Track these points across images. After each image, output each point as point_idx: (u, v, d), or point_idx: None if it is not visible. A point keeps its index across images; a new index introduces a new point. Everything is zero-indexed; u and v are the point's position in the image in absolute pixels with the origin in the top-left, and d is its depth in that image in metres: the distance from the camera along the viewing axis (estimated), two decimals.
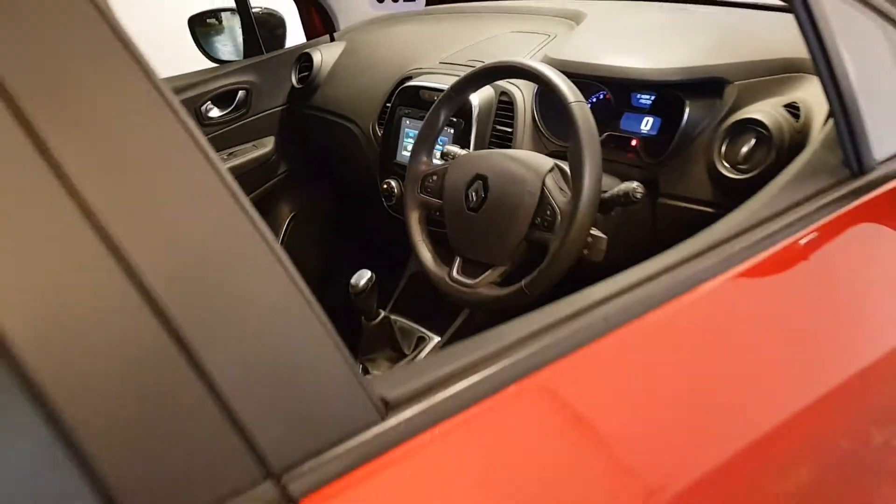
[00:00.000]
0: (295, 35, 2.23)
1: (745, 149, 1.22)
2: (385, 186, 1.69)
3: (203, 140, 0.52)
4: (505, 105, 1.54)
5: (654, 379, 0.73)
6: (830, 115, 1.03)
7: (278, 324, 0.53)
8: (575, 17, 1.70)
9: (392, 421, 0.58)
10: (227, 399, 0.50)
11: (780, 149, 1.17)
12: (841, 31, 1.00)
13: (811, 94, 1.20)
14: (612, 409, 0.69)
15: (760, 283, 0.87)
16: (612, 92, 1.46)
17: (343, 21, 2.16)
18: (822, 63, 0.99)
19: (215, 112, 2.02)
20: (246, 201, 0.53)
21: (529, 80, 1.26)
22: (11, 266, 0.44)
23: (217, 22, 2.12)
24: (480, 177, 1.26)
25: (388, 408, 0.59)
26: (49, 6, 0.48)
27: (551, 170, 1.22)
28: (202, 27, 2.09)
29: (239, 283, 0.52)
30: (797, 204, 0.95)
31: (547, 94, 1.30)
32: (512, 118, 1.52)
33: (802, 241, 0.91)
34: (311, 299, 0.55)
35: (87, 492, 0.45)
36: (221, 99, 2.02)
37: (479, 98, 1.54)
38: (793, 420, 0.78)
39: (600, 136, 1.21)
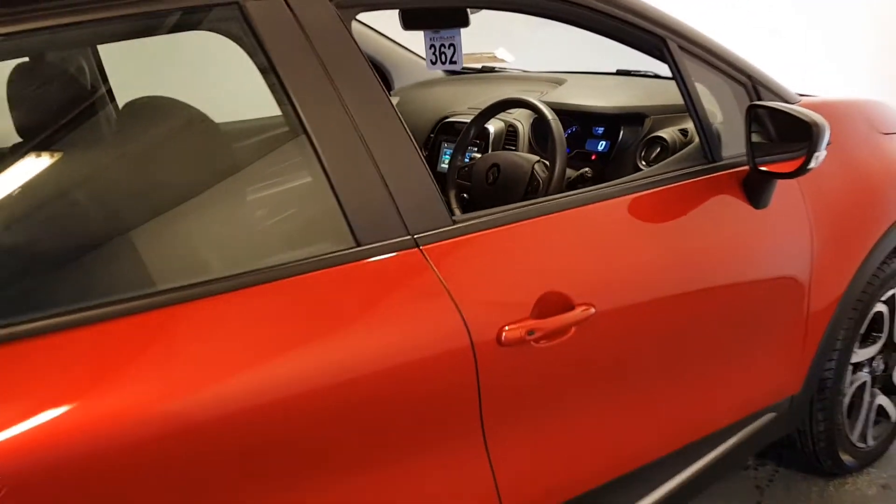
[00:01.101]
0: None
1: (654, 153, 2.04)
2: None
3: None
4: (510, 132, 2.38)
5: (585, 239, 1.53)
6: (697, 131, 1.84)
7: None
8: (558, 81, 2.56)
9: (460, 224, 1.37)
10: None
11: (674, 153, 1.99)
12: (700, 87, 1.82)
13: (692, 125, 2.03)
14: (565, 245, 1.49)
15: (650, 201, 1.67)
16: (580, 126, 2.30)
17: (397, 82, 3.03)
18: (690, 105, 1.80)
19: None
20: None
21: (527, 108, 2.09)
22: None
23: None
24: (495, 164, 2.07)
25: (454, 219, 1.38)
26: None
27: (537, 162, 2.03)
28: None
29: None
30: (676, 171, 1.75)
31: (537, 126, 2.14)
32: (515, 140, 2.35)
33: (677, 186, 1.71)
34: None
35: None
36: None
37: (493, 127, 2.38)
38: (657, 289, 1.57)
39: (571, 153, 2.04)
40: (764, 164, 1.73)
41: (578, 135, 2.31)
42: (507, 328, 1.36)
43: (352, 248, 1.27)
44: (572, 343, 1.45)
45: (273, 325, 1.19)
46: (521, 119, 2.39)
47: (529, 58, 3.00)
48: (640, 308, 1.59)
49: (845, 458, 2.34)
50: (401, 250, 1.31)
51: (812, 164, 1.66)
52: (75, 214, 1.32)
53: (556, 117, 1.99)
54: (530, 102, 2.06)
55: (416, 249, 1.32)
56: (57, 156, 1.40)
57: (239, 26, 1.25)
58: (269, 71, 1.25)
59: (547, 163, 2.05)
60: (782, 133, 1.71)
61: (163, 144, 1.45)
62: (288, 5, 1.28)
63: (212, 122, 1.46)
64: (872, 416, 2.38)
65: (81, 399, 1.02)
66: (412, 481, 1.34)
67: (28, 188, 1.32)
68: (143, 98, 1.52)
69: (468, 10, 2.07)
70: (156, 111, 1.51)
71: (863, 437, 2.37)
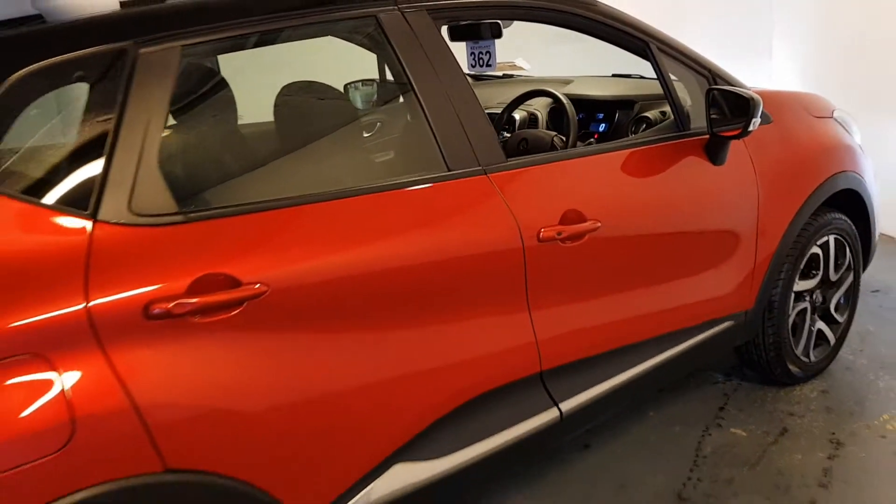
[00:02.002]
0: None
1: (641, 129, 2.76)
2: None
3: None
4: (532, 119, 3.10)
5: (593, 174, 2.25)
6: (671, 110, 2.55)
7: None
8: (566, 81, 3.29)
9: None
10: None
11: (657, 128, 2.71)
12: (674, 78, 2.54)
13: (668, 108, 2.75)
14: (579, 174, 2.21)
15: (638, 155, 2.38)
16: (585, 113, 3.02)
17: None
18: (666, 91, 2.50)
19: None
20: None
21: (548, 96, 2.81)
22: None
23: None
24: (524, 139, 2.77)
25: None
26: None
27: (555, 136, 2.74)
28: None
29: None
30: (657, 136, 2.46)
31: (553, 113, 2.87)
32: (535, 125, 3.07)
33: (658, 146, 2.42)
34: None
35: None
36: None
37: (518, 115, 3.10)
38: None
39: (580, 133, 2.75)
40: (719, 131, 2.44)
41: (583, 120, 3.03)
42: (543, 230, 2.06)
43: (445, 172, 1.97)
44: (586, 245, 2.16)
45: (398, 218, 1.89)
46: (539, 109, 3.10)
47: (543, 66, 3.74)
48: (631, 227, 2.29)
49: (793, 368, 3.03)
50: (475, 176, 2.01)
51: (751, 128, 2.38)
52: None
53: (569, 101, 2.71)
54: (550, 91, 2.78)
55: (485, 176, 2.03)
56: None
57: (376, 30, 1.97)
58: (393, 58, 1.97)
59: (563, 137, 2.76)
60: (731, 108, 2.42)
61: (318, 104, 2.18)
62: (404, 17, 1.99)
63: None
64: (813, 338, 3.08)
65: (306, 246, 1.71)
66: (485, 328, 2.03)
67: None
68: (298, 81, 2.26)
69: (501, 24, 2.80)
70: (309, 87, 2.25)
71: (806, 354, 3.06)
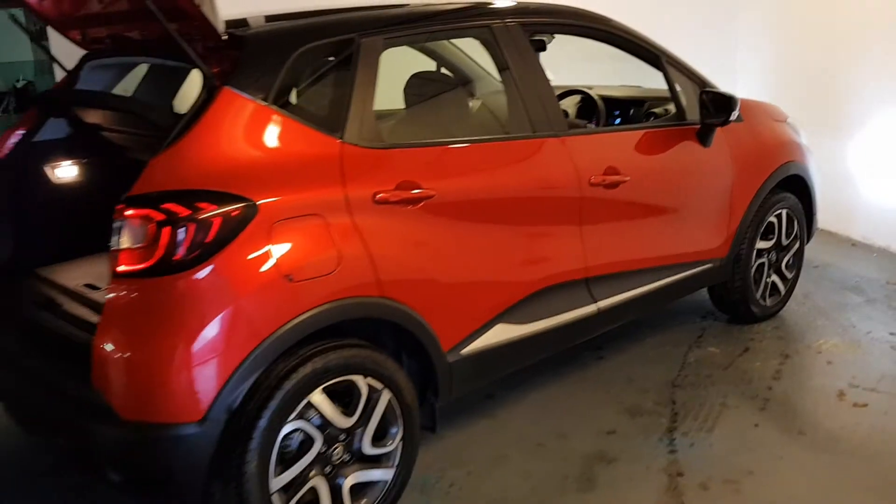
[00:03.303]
0: None
1: (650, 120, 3.77)
2: None
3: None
4: (564, 115, 4.09)
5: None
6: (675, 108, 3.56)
7: None
8: (590, 88, 4.29)
9: None
10: None
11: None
12: (679, 84, 3.55)
13: (671, 106, 3.76)
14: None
15: (651, 135, 3.38)
16: (604, 110, 4.03)
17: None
18: (672, 92, 3.52)
19: None
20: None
21: (580, 94, 3.81)
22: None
23: None
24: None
25: None
26: None
27: (587, 123, 3.72)
28: None
29: None
30: (664, 124, 3.47)
31: (581, 108, 3.87)
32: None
33: (664, 130, 3.43)
34: None
35: None
36: None
37: None
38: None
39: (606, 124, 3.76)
40: (707, 121, 3.45)
41: (605, 115, 4.04)
42: (593, 177, 3.03)
43: (531, 133, 2.94)
44: (619, 191, 3.14)
45: (508, 160, 2.85)
46: (568, 107, 4.08)
47: (567, 78, 4.74)
48: (648, 182, 3.28)
49: (754, 308, 4.03)
50: (550, 137, 2.98)
51: (731, 119, 3.39)
52: None
53: (599, 96, 3.71)
54: (583, 90, 3.77)
55: (557, 138, 2.99)
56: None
57: (490, 35, 2.94)
58: (499, 55, 2.94)
59: (593, 124, 3.75)
60: (716, 105, 3.43)
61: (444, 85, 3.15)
62: (507, 27, 2.97)
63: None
64: (769, 288, 4.09)
65: (454, 170, 2.67)
66: (555, 240, 2.98)
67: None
68: (422, 71, 3.22)
69: (545, 39, 3.78)
70: (431, 75, 3.22)
71: (763, 298, 4.07)
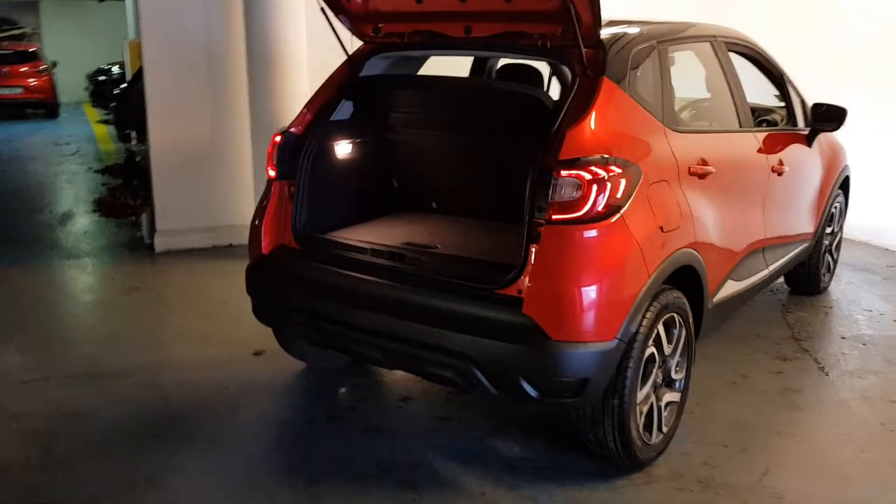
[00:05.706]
0: None
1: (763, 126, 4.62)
2: None
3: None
4: None
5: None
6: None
7: None
8: None
9: None
10: None
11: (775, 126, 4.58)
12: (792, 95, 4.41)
13: (783, 114, 4.62)
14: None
15: (769, 137, 4.21)
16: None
17: None
18: (789, 105, 4.38)
19: None
20: None
21: None
22: None
23: None
24: None
25: None
26: None
27: None
28: None
29: None
30: (780, 129, 4.32)
31: None
32: None
33: (781, 133, 4.27)
34: None
35: None
36: None
37: None
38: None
39: None
40: (819, 127, 4.35)
41: None
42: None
43: (738, 128, 3.67)
44: (783, 179, 3.93)
45: (743, 148, 3.56)
46: None
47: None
48: (793, 173, 4.10)
49: (820, 282, 4.97)
50: (749, 132, 3.73)
51: (842, 127, 4.29)
52: None
53: None
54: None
55: (752, 133, 3.75)
56: None
57: (713, 47, 3.65)
58: (724, 63, 3.67)
59: None
60: (826, 116, 4.32)
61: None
62: (720, 43, 3.70)
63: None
64: (827, 265, 5.05)
65: (719, 153, 3.35)
66: (752, 215, 3.72)
67: None
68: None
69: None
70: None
71: (824, 275, 5.02)
